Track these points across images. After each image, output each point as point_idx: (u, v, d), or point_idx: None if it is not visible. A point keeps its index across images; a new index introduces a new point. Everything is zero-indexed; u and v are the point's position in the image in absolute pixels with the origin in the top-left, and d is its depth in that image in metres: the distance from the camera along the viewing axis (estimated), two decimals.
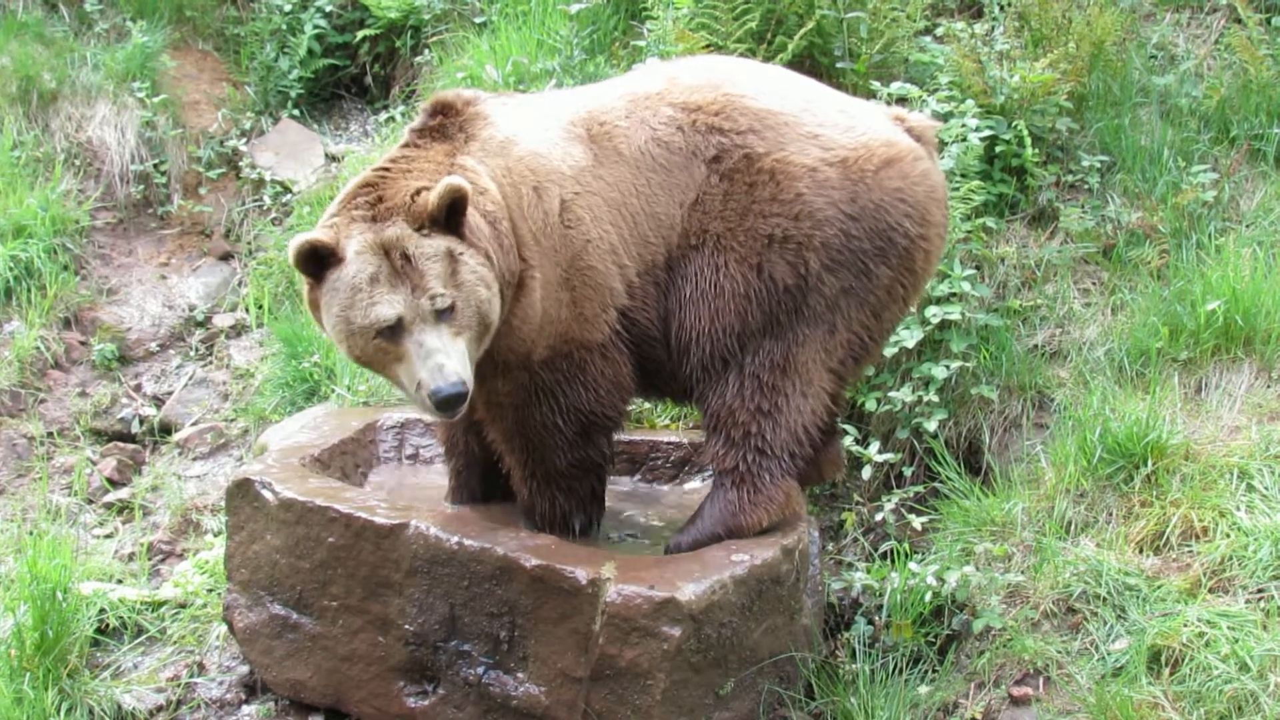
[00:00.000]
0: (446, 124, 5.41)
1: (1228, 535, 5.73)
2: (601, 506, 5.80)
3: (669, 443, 6.64)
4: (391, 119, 10.24)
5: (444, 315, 4.94)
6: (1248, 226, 7.50)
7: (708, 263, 5.34)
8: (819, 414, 5.48)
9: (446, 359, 4.89)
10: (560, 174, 5.37)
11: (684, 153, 5.39)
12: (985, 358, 7.10)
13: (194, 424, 8.66)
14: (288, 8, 11.27)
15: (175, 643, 6.39)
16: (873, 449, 6.80)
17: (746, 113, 5.37)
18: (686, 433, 6.80)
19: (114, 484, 8.19)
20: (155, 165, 10.48)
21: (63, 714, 5.83)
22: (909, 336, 6.91)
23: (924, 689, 5.67)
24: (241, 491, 5.69)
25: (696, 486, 6.43)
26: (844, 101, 5.64)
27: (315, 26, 11.11)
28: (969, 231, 7.31)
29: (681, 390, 5.65)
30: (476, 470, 6.03)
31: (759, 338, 5.32)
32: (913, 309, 6.54)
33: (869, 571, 6.22)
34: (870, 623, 6.07)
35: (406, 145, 5.39)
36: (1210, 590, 5.55)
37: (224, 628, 6.11)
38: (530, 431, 5.51)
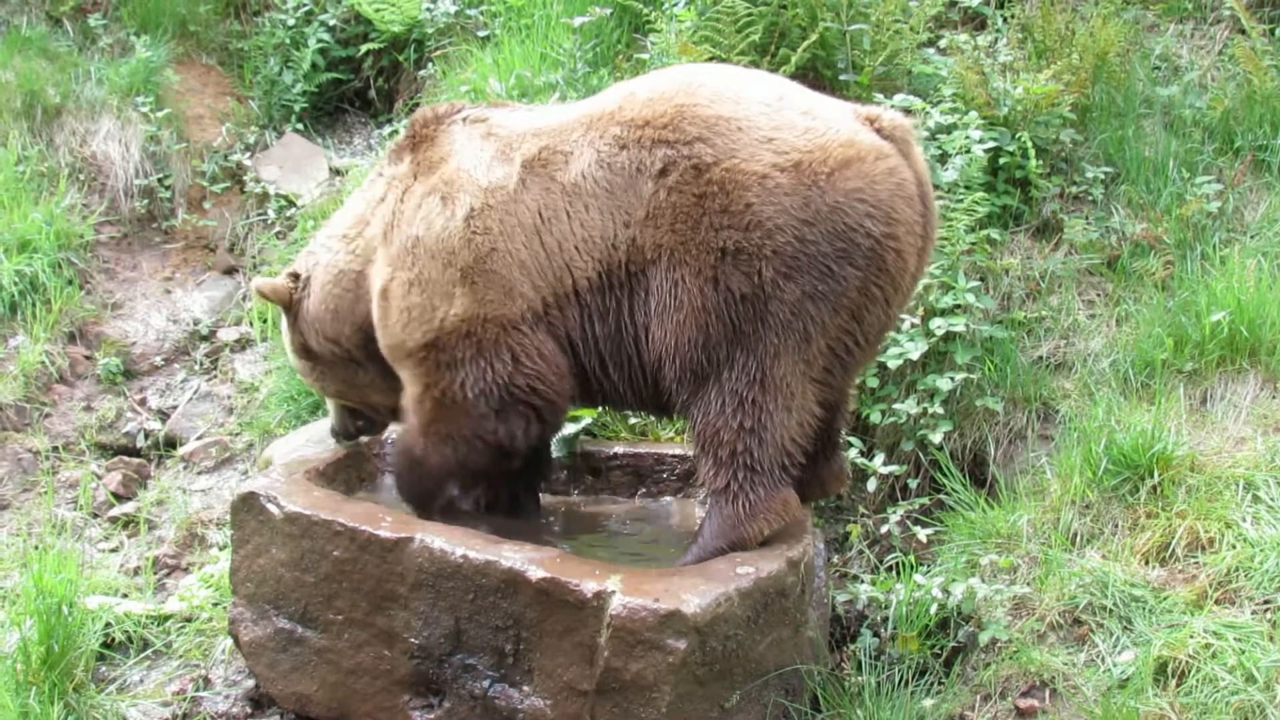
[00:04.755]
0: (409, 143, 5.87)
1: (1234, 546, 5.72)
2: (492, 495, 5.93)
3: (674, 455, 6.63)
4: (395, 132, 10.25)
5: None
6: (1252, 237, 7.50)
7: (665, 277, 5.30)
8: (806, 425, 5.43)
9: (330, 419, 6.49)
10: (477, 186, 5.55)
11: (628, 171, 5.35)
12: (990, 369, 7.10)
13: (199, 438, 8.66)
14: (291, 22, 11.29)
15: (181, 657, 6.38)
16: (878, 461, 6.80)
17: (696, 121, 5.28)
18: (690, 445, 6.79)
19: (119, 498, 8.19)
20: (159, 179, 10.50)
21: None
22: (913, 349, 6.91)
23: (929, 701, 5.66)
24: (246, 505, 5.69)
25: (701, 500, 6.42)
26: (812, 102, 5.46)
27: (319, 40, 11.12)
28: (973, 243, 7.32)
29: (664, 405, 5.63)
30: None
31: (728, 348, 5.26)
32: (902, 311, 6.45)
33: (874, 583, 6.22)
34: (876, 635, 6.07)
35: (385, 163, 5.97)
36: (1216, 601, 5.54)
37: (229, 641, 6.10)
38: (439, 396, 5.60)
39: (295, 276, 6.15)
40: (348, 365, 6.15)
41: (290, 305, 6.15)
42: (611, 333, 5.48)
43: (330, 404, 6.50)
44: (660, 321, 5.34)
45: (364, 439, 6.53)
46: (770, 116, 5.29)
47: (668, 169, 5.28)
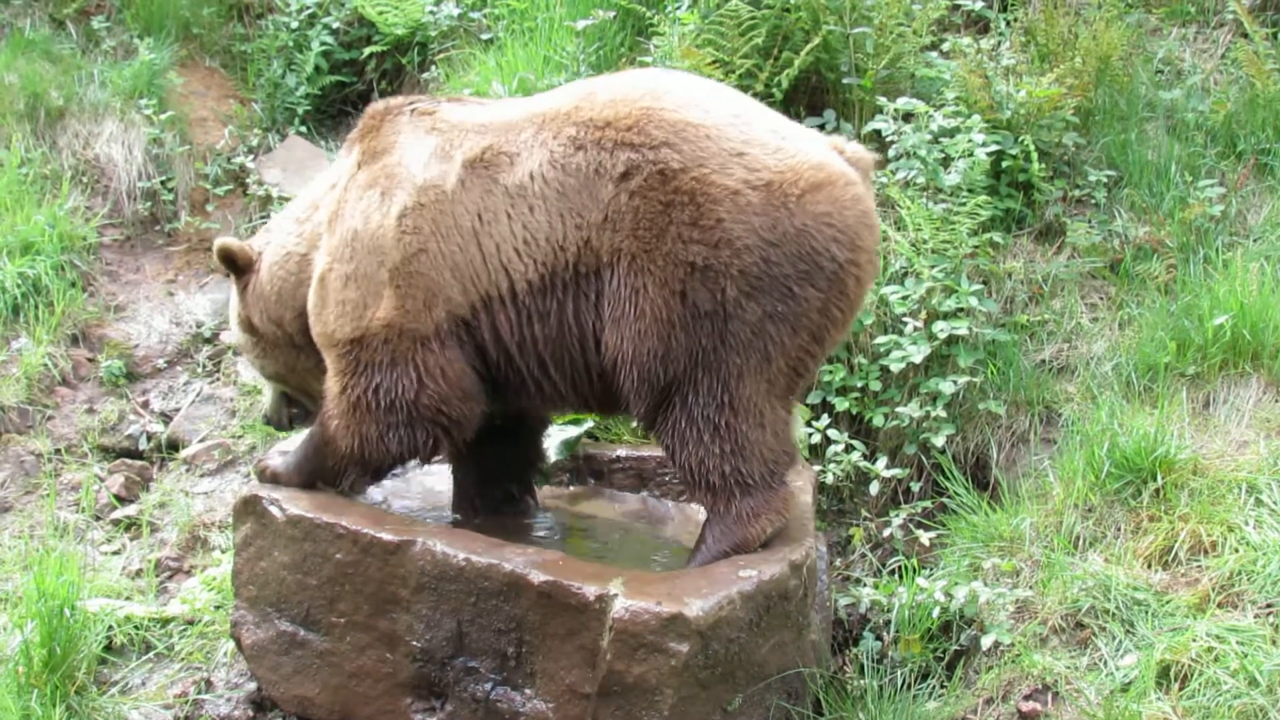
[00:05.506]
0: (359, 134, 5.87)
1: (1236, 550, 5.72)
2: (381, 479, 6.05)
3: None
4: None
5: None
6: (1255, 241, 7.50)
7: (623, 283, 5.22)
8: (782, 433, 5.43)
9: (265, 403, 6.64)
10: (413, 184, 5.52)
11: (585, 173, 5.26)
12: (993, 373, 7.10)
13: (201, 440, 8.66)
14: (295, 25, 11.28)
15: (183, 659, 6.39)
16: (880, 464, 6.81)
17: (663, 125, 5.21)
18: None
19: (122, 501, 8.19)
20: (162, 182, 10.49)
21: None
22: (916, 352, 6.92)
23: (932, 705, 5.67)
24: (249, 508, 5.70)
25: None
26: (777, 121, 5.46)
27: (322, 43, 11.11)
28: (976, 247, 7.32)
29: (613, 404, 5.62)
30: (474, 479, 6.18)
31: (688, 366, 5.21)
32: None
33: (877, 587, 6.22)
34: (878, 638, 6.07)
35: (342, 152, 6.02)
36: (1219, 605, 5.54)
37: (232, 644, 6.11)
38: (354, 398, 5.61)
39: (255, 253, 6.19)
40: (289, 348, 6.15)
41: (245, 274, 6.15)
42: (553, 334, 5.43)
43: (267, 389, 6.56)
44: (616, 327, 5.28)
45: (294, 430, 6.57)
46: (740, 129, 5.25)
47: (630, 172, 5.20)
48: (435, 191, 5.48)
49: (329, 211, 5.79)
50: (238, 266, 6.14)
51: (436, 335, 5.47)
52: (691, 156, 5.15)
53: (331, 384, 5.70)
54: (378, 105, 5.94)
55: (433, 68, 10.35)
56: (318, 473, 5.83)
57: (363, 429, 5.62)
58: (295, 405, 6.49)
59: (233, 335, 6.52)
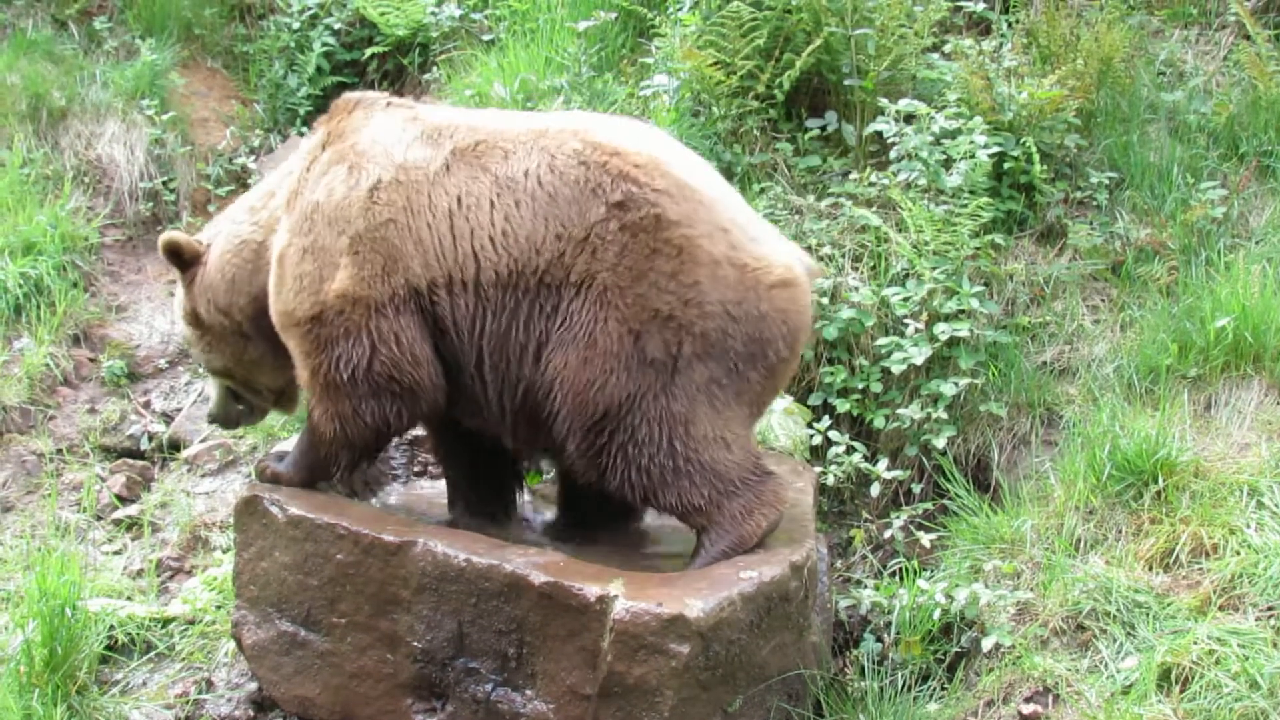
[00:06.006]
0: (324, 120, 5.94)
1: (1238, 553, 5.72)
2: (374, 458, 6.10)
3: None
4: None
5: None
6: (1257, 243, 7.50)
7: (586, 310, 5.30)
8: (747, 444, 5.52)
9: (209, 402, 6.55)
10: (389, 160, 5.58)
11: (580, 185, 5.34)
12: (994, 374, 7.10)
13: (203, 441, 8.65)
14: (296, 25, 11.29)
15: (184, 659, 6.39)
16: (881, 466, 6.80)
17: (668, 176, 5.35)
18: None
19: (123, 500, 8.19)
20: (164, 182, 10.49)
21: None
22: (917, 353, 6.92)
23: (933, 706, 5.67)
24: (250, 508, 5.70)
25: None
26: (754, 217, 5.70)
27: (324, 44, 11.12)
28: (977, 248, 7.32)
29: (531, 433, 5.66)
30: (467, 477, 6.19)
31: (625, 409, 5.29)
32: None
33: (878, 589, 6.22)
34: (879, 640, 6.07)
35: (303, 143, 6.03)
36: (1220, 608, 5.54)
37: (233, 644, 6.11)
38: (323, 379, 5.63)
39: (202, 245, 6.16)
40: (236, 339, 6.13)
41: (191, 268, 6.12)
42: (501, 331, 5.46)
43: (212, 386, 6.50)
44: (563, 349, 5.35)
45: (241, 429, 6.58)
46: (727, 209, 5.46)
47: (627, 204, 5.28)
48: (416, 172, 5.53)
49: (288, 192, 5.82)
50: (183, 260, 6.13)
51: (391, 302, 5.49)
52: (686, 215, 5.30)
53: (302, 371, 5.72)
54: (350, 95, 6.03)
55: (434, 69, 10.35)
56: (314, 468, 5.83)
57: (338, 407, 5.63)
58: (241, 401, 6.44)
59: (179, 328, 6.48)
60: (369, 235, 5.48)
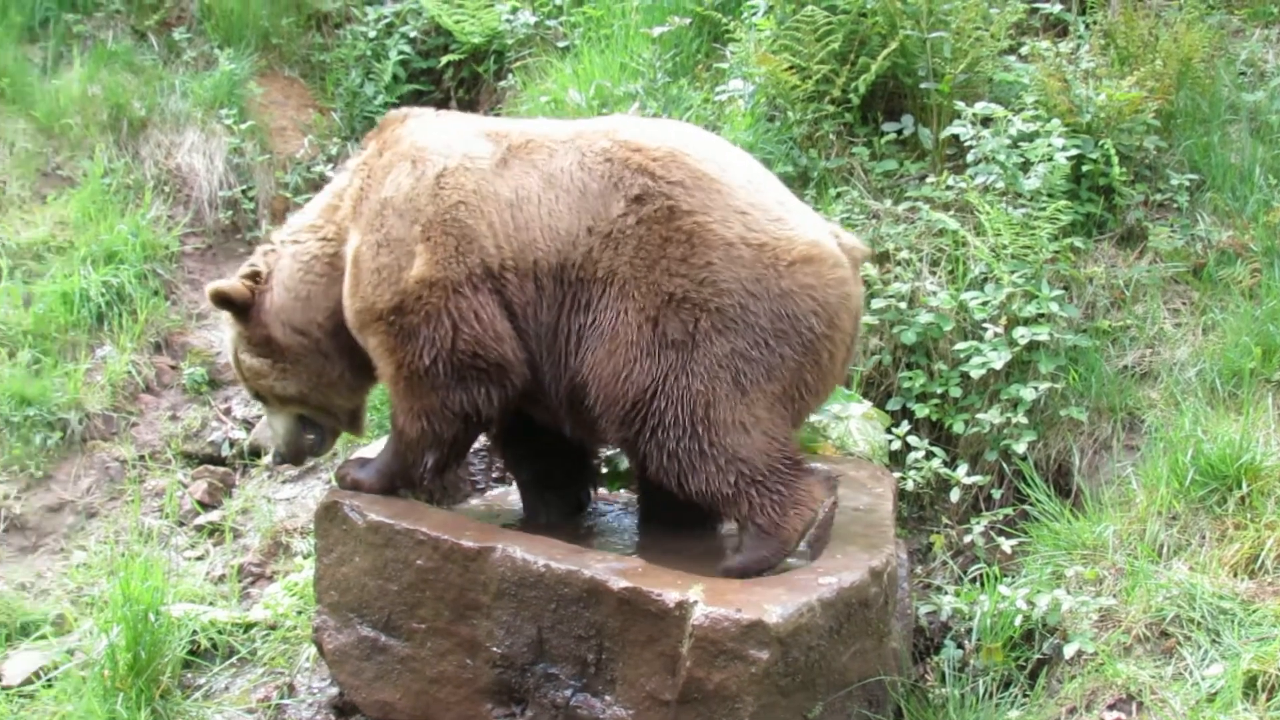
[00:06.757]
0: (375, 132, 6.03)
1: None
2: (461, 458, 6.09)
3: None
4: None
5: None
6: None
7: (610, 305, 5.40)
8: (777, 437, 5.44)
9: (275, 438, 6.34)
10: (450, 151, 5.66)
11: (604, 180, 5.45)
12: (1074, 379, 7.05)
13: None
14: (373, 34, 11.39)
15: (266, 664, 6.45)
16: (961, 471, 6.78)
17: (684, 167, 5.41)
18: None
19: (205, 506, 8.28)
20: (243, 191, 10.61)
21: None
22: (997, 358, 6.89)
23: (1014, 714, 5.63)
24: (330, 514, 5.73)
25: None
26: (785, 196, 5.65)
27: (400, 52, 11.21)
28: (1056, 252, 7.28)
29: (584, 421, 5.69)
30: (537, 480, 6.23)
31: (652, 394, 5.32)
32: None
33: (958, 595, 6.19)
34: (959, 646, 6.03)
35: (353, 158, 6.09)
36: None
37: (313, 649, 6.15)
38: (407, 372, 5.64)
39: (255, 275, 6.05)
40: (315, 358, 6.05)
41: (248, 305, 6.04)
42: (552, 322, 5.54)
43: (278, 420, 6.27)
44: (593, 345, 5.45)
45: (311, 460, 6.63)
46: (749, 193, 5.45)
47: (643, 197, 5.38)
48: (480, 161, 5.63)
49: (352, 202, 5.85)
50: (236, 305, 6.03)
51: (469, 281, 5.53)
52: (699, 204, 5.36)
53: (386, 368, 5.72)
54: (398, 110, 6.12)
55: (509, 76, 10.41)
56: (399, 475, 5.85)
57: (424, 402, 5.66)
58: (312, 428, 6.30)
59: (234, 372, 6.47)
60: (440, 219, 5.56)
